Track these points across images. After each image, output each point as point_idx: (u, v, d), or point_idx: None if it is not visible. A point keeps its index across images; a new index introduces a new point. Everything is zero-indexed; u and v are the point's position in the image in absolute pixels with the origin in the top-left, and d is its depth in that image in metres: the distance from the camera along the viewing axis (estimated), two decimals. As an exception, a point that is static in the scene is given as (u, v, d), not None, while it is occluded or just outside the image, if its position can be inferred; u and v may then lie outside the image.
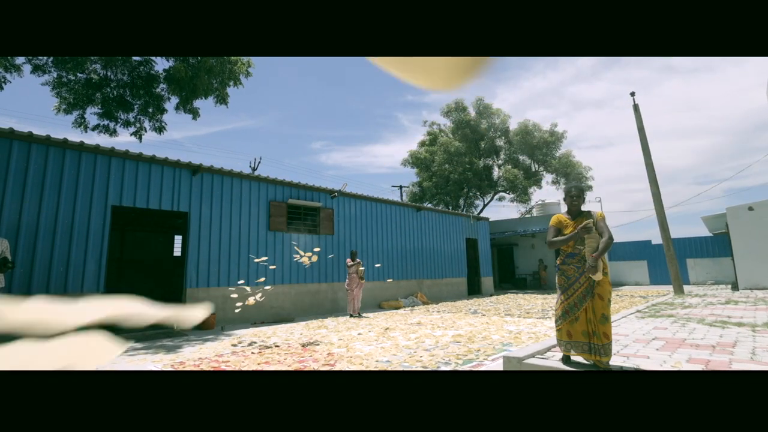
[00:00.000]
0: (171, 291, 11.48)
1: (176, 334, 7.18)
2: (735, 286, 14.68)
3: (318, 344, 5.84)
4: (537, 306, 11.00)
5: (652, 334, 5.42)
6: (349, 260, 9.82)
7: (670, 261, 13.56)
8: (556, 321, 3.67)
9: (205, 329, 7.79)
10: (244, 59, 9.67)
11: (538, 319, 8.07)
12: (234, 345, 5.98)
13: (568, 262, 3.65)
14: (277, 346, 5.80)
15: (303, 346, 5.73)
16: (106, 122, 9.63)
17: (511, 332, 6.48)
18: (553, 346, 4.81)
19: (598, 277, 3.49)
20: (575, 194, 3.77)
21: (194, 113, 9.61)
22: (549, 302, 12.02)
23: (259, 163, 26.20)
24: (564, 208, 3.95)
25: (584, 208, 3.84)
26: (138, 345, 6.15)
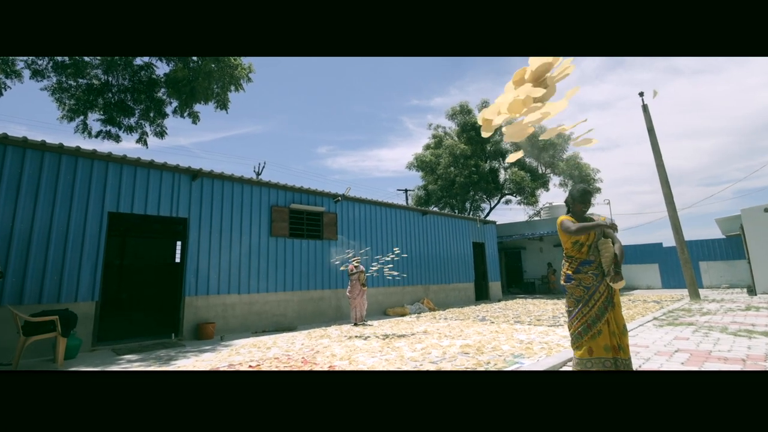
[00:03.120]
0: (173, 298, 11.28)
1: (174, 345, 6.95)
2: (752, 291, 14.24)
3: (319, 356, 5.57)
4: (547, 312, 10.67)
5: (674, 345, 5.11)
6: (351, 266, 9.56)
7: (684, 265, 13.17)
8: (574, 338, 3.28)
9: (204, 339, 7.55)
10: (245, 64, 9.50)
11: (550, 327, 7.75)
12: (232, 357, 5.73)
13: (584, 270, 3.30)
14: (277, 358, 5.54)
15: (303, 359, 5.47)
16: (109, 128, 9.51)
17: (522, 342, 6.18)
18: (569, 360, 4.52)
19: (621, 285, 3.20)
20: (589, 199, 3.48)
21: (194, 117, 9.44)
22: (559, 308, 11.68)
23: (263, 167, 26.05)
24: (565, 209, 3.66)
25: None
26: (133, 357, 5.91)
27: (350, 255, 9.58)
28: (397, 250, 11.19)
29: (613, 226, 3.23)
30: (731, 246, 19.32)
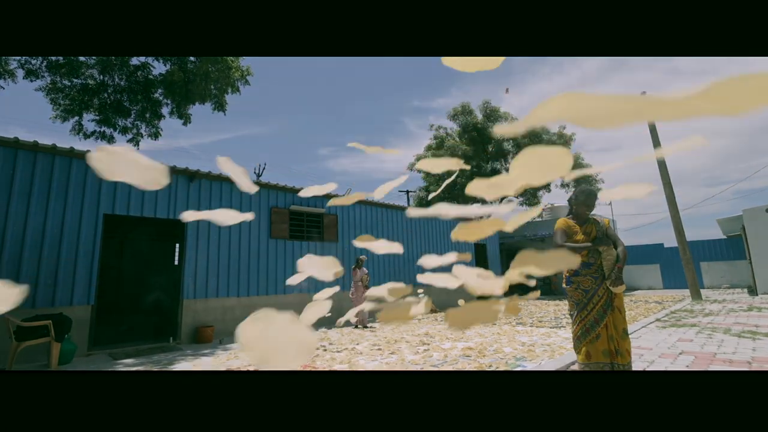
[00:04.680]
0: (171, 301, 11.20)
1: (172, 349, 6.86)
2: (753, 291, 14.15)
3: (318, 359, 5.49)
4: (549, 314, 10.59)
5: (678, 347, 5.02)
6: (354, 267, 9.49)
7: (686, 265, 13.09)
8: (575, 342, 3.22)
9: (202, 342, 7.47)
10: (244, 66, 9.43)
11: (552, 329, 7.67)
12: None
13: (583, 273, 3.22)
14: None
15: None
16: (103, 129, 9.44)
17: (524, 344, 6.10)
18: (572, 363, 4.45)
19: (621, 289, 3.12)
20: (593, 202, 3.38)
21: (186, 119, 9.37)
22: (561, 309, 11.60)
23: (264, 169, 25.98)
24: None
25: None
26: (130, 361, 5.83)
27: (360, 276, 9.37)
28: (421, 291, 11.22)
29: (605, 240, 3.15)
30: (732, 246, 19.25)
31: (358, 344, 6.66)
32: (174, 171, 7.89)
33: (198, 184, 8.29)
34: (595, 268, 3.19)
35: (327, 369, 4.89)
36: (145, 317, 10.76)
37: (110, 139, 9.54)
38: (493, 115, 24.16)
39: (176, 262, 14.37)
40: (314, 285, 9.98)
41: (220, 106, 9.22)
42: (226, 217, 0.72)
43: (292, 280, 0.89)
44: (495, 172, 24.48)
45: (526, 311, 11.52)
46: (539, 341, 6.32)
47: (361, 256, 9.70)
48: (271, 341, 0.57)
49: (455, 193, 23.81)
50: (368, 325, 9.35)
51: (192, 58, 8.94)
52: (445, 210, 0.63)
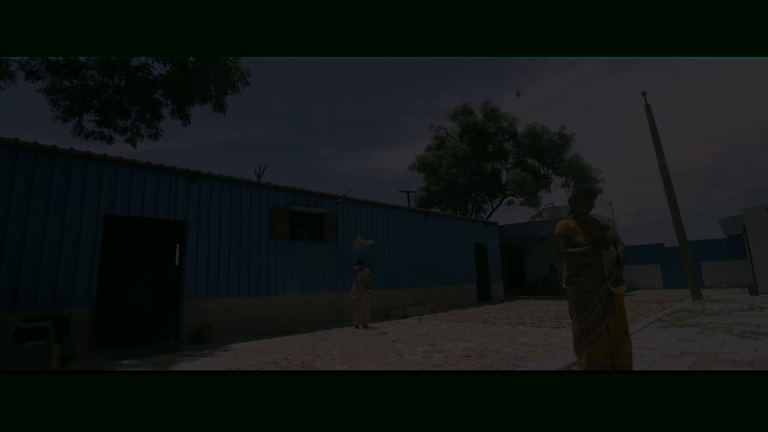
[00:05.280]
0: (172, 302, 11.20)
1: (172, 350, 6.86)
2: (754, 291, 14.12)
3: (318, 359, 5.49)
4: (550, 314, 10.58)
5: (680, 348, 5.01)
6: (356, 267, 9.49)
7: (687, 265, 13.08)
8: (575, 343, 3.19)
9: (203, 343, 7.47)
10: (244, 67, 9.42)
11: (552, 329, 7.66)
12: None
13: (583, 273, 3.17)
14: (275, 363, 5.46)
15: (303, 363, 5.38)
16: (102, 129, 9.43)
17: (525, 344, 6.09)
18: (572, 364, 4.45)
19: (622, 290, 3.09)
20: (592, 201, 3.34)
21: (185, 119, 9.37)
22: (561, 309, 11.59)
23: (264, 169, 25.95)
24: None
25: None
26: (130, 362, 5.83)
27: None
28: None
29: (605, 241, 3.11)
30: (732, 246, 19.25)
31: (359, 345, 6.65)
32: (174, 171, 7.89)
33: (198, 184, 8.29)
34: (595, 269, 3.15)
35: (327, 369, 4.88)
36: (145, 318, 10.76)
37: (108, 140, 9.53)
38: (493, 115, 24.15)
39: (177, 263, 14.39)
40: (307, 286, 9.98)
41: (219, 107, 9.22)
42: None
43: None
44: (495, 171, 24.46)
45: (526, 311, 11.51)
46: (540, 341, 6.31)
47: (360, 238, 9.66)
48: None
49: (455, 193, 23.79)
50: (368, 325, 9.34)
51: (192, 59, 8.94)
52: None
